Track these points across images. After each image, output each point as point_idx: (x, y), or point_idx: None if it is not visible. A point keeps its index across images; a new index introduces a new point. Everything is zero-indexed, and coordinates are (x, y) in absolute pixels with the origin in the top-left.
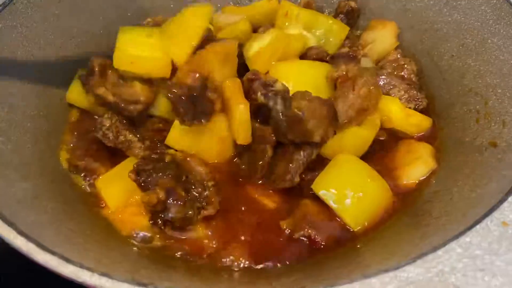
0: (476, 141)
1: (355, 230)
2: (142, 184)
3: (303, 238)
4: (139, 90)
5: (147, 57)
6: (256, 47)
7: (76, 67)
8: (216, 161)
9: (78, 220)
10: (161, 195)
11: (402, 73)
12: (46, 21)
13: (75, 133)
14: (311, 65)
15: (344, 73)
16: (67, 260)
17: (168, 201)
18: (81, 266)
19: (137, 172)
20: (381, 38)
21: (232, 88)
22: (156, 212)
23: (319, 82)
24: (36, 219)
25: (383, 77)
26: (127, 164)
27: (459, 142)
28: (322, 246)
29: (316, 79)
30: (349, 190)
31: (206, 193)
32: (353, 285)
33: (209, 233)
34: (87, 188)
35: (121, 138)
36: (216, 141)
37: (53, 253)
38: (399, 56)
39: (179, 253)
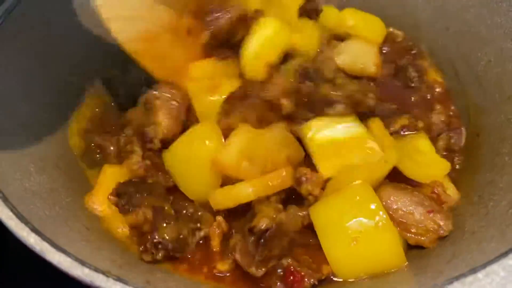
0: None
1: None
2: (125, 206)
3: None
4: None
5: None
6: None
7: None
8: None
9: (93, 217)
10: (148, 214)
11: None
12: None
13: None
14: None
15: None
16: (82, 262)
17: (157, 220)
18: (96, 269)
19: (118, 194)
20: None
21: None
22: (144, 235)
23: None
24: (50, 214)
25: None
26: None
27: (496, 153)
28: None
29: None
30: (345, 232)
31: (199, 213)
32: None
33: None
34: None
35: (128, 147)
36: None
37: (67, 253)
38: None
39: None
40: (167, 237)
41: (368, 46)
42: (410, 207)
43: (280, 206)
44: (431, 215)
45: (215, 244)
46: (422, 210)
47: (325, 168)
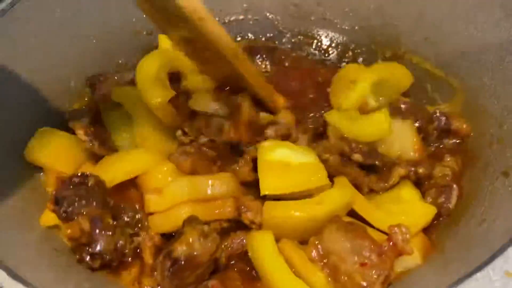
0: (488, 168)
1: None
2: (64, 214)
3: None
4: None
5: None
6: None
7: None
8: None
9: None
10: (85, 225)
11: None
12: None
13: None
14: None
15: None
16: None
17: (94, 232)
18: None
19: (57, 200)
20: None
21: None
22: (81, 246)
23: None
24: None
25: None
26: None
27: (470, 168)
28: None
29: None
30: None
31: (138, 215)
32: None
33: None
34: None
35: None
36: None
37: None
38: None
39: None
40: (104, 249)
41: None
42: (344, 254)
43: (206, 229)
44: (364, 268)
45: (146, 257)
46: (357, 260)
47: (266, 185)
